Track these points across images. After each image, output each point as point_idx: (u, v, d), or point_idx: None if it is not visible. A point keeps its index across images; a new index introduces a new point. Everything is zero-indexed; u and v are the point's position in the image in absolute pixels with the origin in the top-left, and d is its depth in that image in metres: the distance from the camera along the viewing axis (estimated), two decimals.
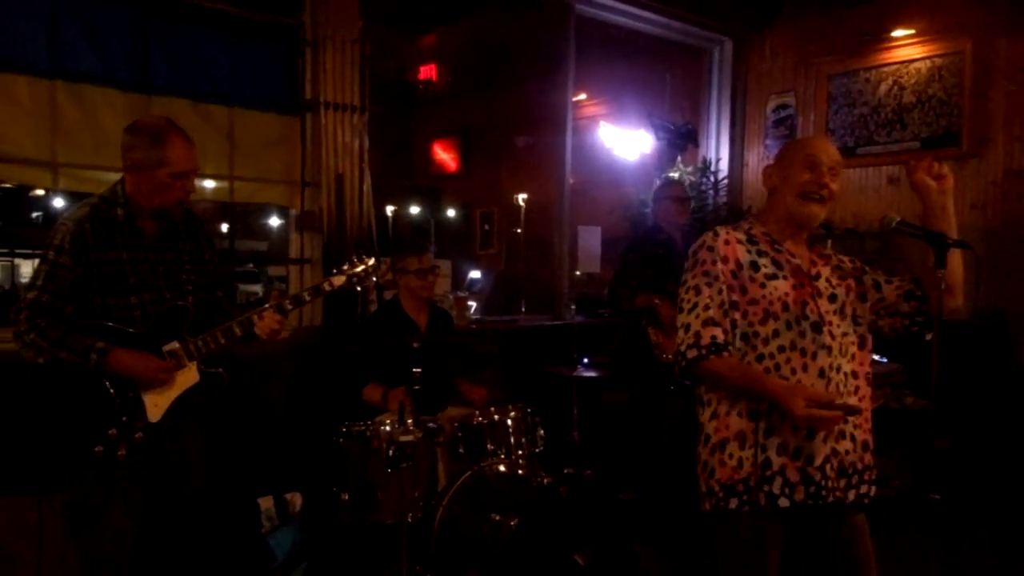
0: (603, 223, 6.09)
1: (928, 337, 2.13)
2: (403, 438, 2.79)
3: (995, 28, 4.97)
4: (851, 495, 2.08)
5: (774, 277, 2.08)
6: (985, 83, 5.02)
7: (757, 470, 2.03)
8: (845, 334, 2.11)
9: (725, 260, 2.09)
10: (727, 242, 2.12)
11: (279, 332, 2.56)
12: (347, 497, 3.00)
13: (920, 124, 5.28)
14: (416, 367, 2.86)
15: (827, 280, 2.14)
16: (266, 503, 3.36)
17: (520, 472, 3.15)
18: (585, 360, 3.84)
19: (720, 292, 2.07)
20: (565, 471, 3.21)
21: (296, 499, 3.45)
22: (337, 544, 3.33)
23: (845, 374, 2.09)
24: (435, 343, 3.17)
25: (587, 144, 6.43)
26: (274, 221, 8.53)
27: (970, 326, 4.31)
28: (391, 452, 2.82)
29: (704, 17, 5.87)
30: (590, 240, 5.79)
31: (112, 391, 2.32)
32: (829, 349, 2.06)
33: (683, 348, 2.08)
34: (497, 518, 2.86)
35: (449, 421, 3.21)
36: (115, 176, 2.46)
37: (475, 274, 6.72)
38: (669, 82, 6.70)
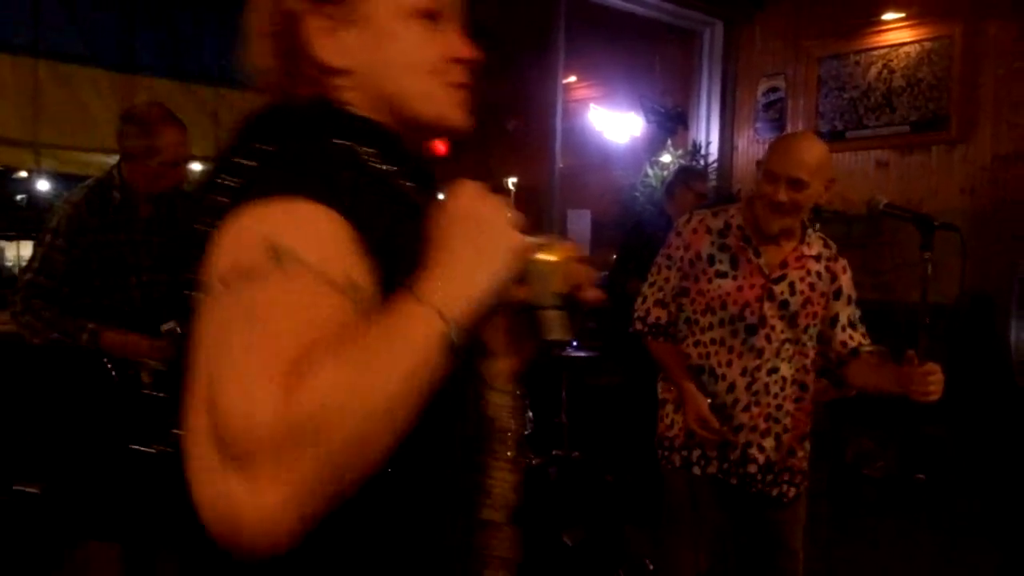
0: (593, 207, 6.08)
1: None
2: None
3: (984, 12, 4.96)
4: (773, 491, 2.18)
5: (723, 276, 2.16)
6: (974, 67, 5.02)
7: (682, 436, 2.22)
8: (788, 340, 2.15)
9: (687, 248, 2.22)
10: (695, 231, 2.22)
11: None
12: None
13: (909, 108, 5.28)
14: None
15: (789, 285, 2.15)
16: None
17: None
18: (574, 343, 3.84)
19: (675, 276, 2.24)
20: (554, 453, 3.23)
21: None
22: None
23: (782, 378, 2.16)
24: None
25: (577, 127, 6.40)
26: None
27: (957, 310, 4.33)
28: None
29: None
30: (580, 224, 5.78)
31: (111, 369, 2.34)
32: (760, 352, 2.14)
33: (635, 316, 2.32)
34: None
35: None
36: (98, 157, 2.45)
37: None
38: (659, 64, 6.67)
